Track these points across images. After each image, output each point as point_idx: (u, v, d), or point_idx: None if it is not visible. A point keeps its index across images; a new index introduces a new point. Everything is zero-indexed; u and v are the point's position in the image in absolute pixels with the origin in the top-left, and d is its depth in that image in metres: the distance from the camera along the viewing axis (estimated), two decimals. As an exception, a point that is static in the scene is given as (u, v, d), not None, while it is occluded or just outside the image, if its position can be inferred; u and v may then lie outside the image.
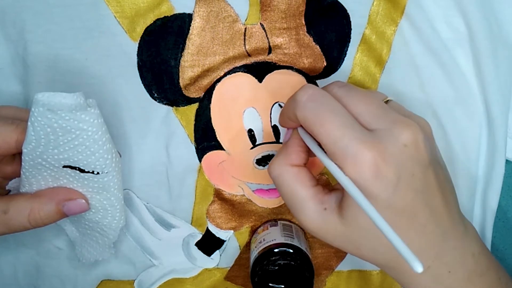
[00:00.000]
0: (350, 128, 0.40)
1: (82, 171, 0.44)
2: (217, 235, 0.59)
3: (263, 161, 0.56)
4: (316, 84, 0.54)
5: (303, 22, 0.52)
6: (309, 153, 0.46)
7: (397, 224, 0.40)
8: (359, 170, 0.39)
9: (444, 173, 0.45)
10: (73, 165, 0.43)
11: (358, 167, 0.39)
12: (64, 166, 0.43)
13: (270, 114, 0.55)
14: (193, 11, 0.51)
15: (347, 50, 0.54)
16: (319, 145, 0.43)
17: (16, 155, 0.45)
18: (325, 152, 0.42)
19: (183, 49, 0.52)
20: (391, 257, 0.43)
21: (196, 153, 0.56)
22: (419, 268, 0.33)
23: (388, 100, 0.45)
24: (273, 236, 0.56)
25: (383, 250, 0.42)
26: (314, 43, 0.53)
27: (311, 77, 0.54)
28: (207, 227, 0.59)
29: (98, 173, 0.44)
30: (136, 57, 0.52)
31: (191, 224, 0.58)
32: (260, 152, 0.56)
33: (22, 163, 0.43)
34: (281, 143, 0.55)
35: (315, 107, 0.42)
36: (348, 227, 0.42)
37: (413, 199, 0.40)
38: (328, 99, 0.42)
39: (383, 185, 0.39)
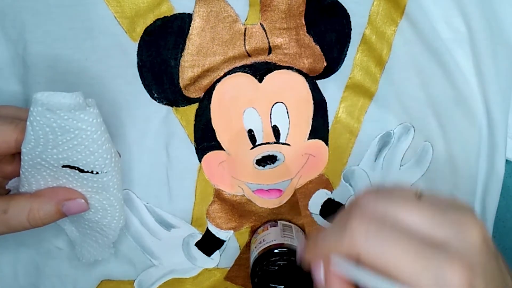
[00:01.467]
0: (427, 251, 0.33)
1: (81, 170, 0.44)
2: (217, 235, 0.59)
3: (263, 161, 0.56)
4: (316, 85, 0.54)
5: (303, 22, 0.52)
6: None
7: None
8: None
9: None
10: (72, 164, 0.43)
11: None
12: (63, 166, 0.43)
13: (270, 114, 0.55)
14: (193, 11, 0.51)
15: (347, 50, 0.54)
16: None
17: (16, 155, 0.45)
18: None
19: (183, 49, 0.52)
20: None
21: (196, 153, 0.56)
22: None
23: (421, 194, 0.38)
24: (273, 236, 0.56)
25: None
26: (314, 43, 0.53)
27: (311, 77, 0.54)
28: (207, 227, 0.59)
29: (97, 172, 0.44)
30: (136, 57, 0.52)
31: (191, 224, 0.58)
32: (260, 152, 0.56)
33: (22, 163, 0.43)
34: (281, 143, 0.55)
35: (379, 240, 0.34)
36: None
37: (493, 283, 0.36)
38: (391, 226, 0.35)
39: None
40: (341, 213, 0.38)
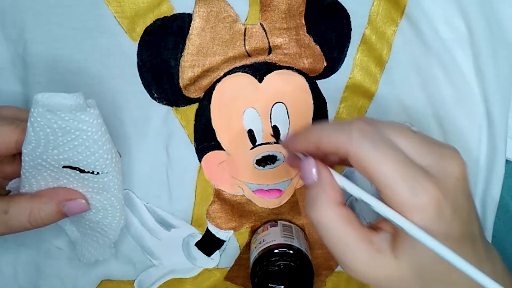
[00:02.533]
0: (409, 166, 0.38)
1: (82, 171, 0.44)
2: (217, 235, 0.59)
3: (263, 161, 0.56)
4: (316, 85, 0.54)
5: (303, 22, 0.52)
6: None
7: (454, 257, 0.38)
8: (422, 209, 0.37)
9: (472, 197, 0.43)
10: (73, 165, 0.43)
11: (422, 205, 0.37)
12: (64, 167, 0.43)
13: (270, 114, 0.55)
14: (193, 11, 0.51)
15: (347, 50, 0.54)
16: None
17: (17, 155, 0.45)
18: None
19: (183, 49, 0.52)
20: None
21: (196, 153, 0.56)
22: None
23: (414, 131, 0.43)
24: (273, 236, 0.56)
25: (438, 285, 0.40)
26: (314, 43, 0.53)
27: (311, 77, 0.54)
28: (207, 227, 0.59)
29: (98, 173, 0.44)
30: (136, 57, 0.52)
31: (191, 224, 0.58)
32: (260, 152, 0.56)
33: (22, 164, 0.43)
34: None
35: (372, 146, 0.38)
36: (405, 269, 0.39)
37: (463, 231, 0.39)
38: (383, 137, 0.39)
39: (442, 221, 0.37)
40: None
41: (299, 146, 0.44)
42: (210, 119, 0.55)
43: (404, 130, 0.40)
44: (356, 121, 0.40)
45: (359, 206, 0.59)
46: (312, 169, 0.42)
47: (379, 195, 0.39)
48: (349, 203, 0.59)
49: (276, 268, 0.54)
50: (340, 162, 0.45)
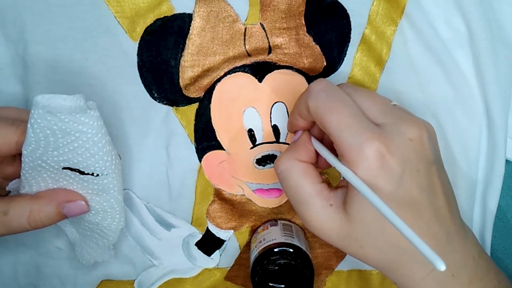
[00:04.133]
0: (358, 118, 0.41)
1: (82, 173, 0.44)
2: (217, 235, 0.59)
3: (263, 160, 0.56)
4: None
5: (303, 22, 0.52)
6: (317, 154, 0.47)
7: (402, 219, 0.40)
8: (365, 159, 0.39)
9: (446, 177, 0.45)
10: (73, 167, 0.43)
11: (364, 156, 0.39)
12: (64, 168, 0.43)
13: (270, 114, 0.55)
14: (193, 11, 0.51)
15: (347, 50, 0.54)
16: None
17: (17, 156, 0.45)
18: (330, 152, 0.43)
19: (183, 49, 0.52)
20: (395, 257, 0.43)
21: (196, 153, 0.56)
22: (442, 265, 0.33)
23: (394, 105, 0.46)
24: (273, 235, 0.56)
25: (388, 249, 0.42)
26: (314, 43, 0.53)
27: (311, 77, 0.54)
28: (207, 227, 0.59)
29: (98, 175, 0.44)
30: (136, 57, 0.52)
31: (191, 224, 0.58)
32: (260, 152, 0.56)
33: (22, 165, 0.43)
34: (281, 143, 0.55)
35: (327, 97, 0.42)
36: (353, 223, 0.42)
37: (418, 195, 0.40)
38: (339, 91, 0.43)
39: (388, 176, 0.39)
40: None
41: (293, 125, 0.49)
42: (210, 118, 0.55)
43: (373, 95, 0.45)
44: (318, 79, 0.45)
45: None
46: (298, 134, 0.49)
47: (335, 148, 0.42)
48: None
49: (276, 267, 0.54)
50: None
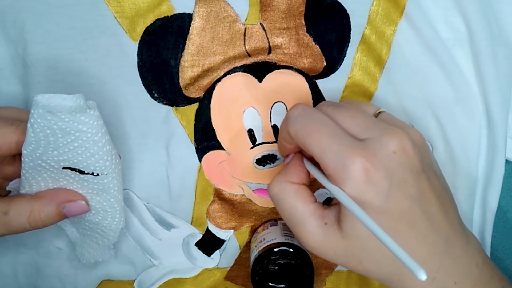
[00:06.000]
0: (338, 137, 0.41)
1: (82, 172, 0.44)
2: (217, 235, 0.59)
3: (263, 160, 0.56)
4: (316, 85, 0.54)
5: (303, 22, 0.52)
6: (309, 175, 0.47)
7: (395, 232, 0.40)
8: (349, 177, 0.39)
9: (441, 182, 0.45)
10: (73, 166, 0.43)
11: (349, 173, 0.39)
12: (64, 168, 0.43)
13: (270, 114, 0.55)
14: (193, 11, 0.51)
15: (346, 50, 0.54)
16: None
17: (17, 156, 0.45)
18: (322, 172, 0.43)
19: (183, 49, 0.52)
20: (395, 269, 0.42)
21: (196, 153, 0.56)
22: (422, 275, 0.33)
23: (380, 112, 0.46)
24: (273, 235, 0.56)
25: (386, 263, 0.42)
26: (314, 43, 0.53)
27: (311, 77, 0.54)
28: (207, 227, 0.59)
29: (98, 174, 0.44)
30: (136, 57, 0.52)
31: (191, 224, 0.58)
32: (260, 151, 0.56)
33: (22, 165, 0.43)
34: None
35: (305, 120, 0.43)
36: (349, 240, 0.42)
37: (409, 206, 0.40)
38: (317, 113, 0.44)
39: (374, 191, 0.39)
40: None
41: (281, 150, 0.50)
42: (210, 118, 0.55)
43: (352, 110, 0.44)
44: (295, 104, 0.45)
45: None
46: (290, 156, 0.49)
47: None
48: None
49: (277, 267, 0.54)
50: None
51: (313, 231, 0.43)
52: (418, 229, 0.41)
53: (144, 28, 0.51)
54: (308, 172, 0.47)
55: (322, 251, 0.44)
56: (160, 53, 0.52)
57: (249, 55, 0.53)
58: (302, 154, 0.48)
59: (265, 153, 0.56)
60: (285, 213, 0.45)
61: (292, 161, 0.48)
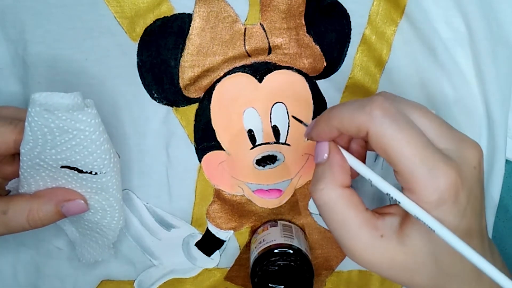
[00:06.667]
0: (429, 149, 0.37)
1: (80, 171, 0.44)
2: (217, 235, 0.59)
3: (263, 161, 0.56)
4: (316, 85, 0.54)
5: (303, 22, 0.52)
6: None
7: None
8: (440, 195, 0.36)
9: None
10: (71, 165, 0.43)
11: (440, 191, 0.36)
12: (62, 167, 0.43)
13: (270, 114, 0.55)
14: (193, 11, 0.51)
15: (347, 50, 0.54)
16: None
17: (16, 155, 0.45)
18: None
19: (183, 49, 0.52)
20: (443, 282, 0.41)
21: (196, 153, 0.56)
22: None
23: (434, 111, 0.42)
24: (273, 236, 0.56)
25: (438, 276, 0.40)
26: (314, 43, 0.53)
27: (311, 77, 0.54)
28: (207, 227, 0.59)
29: (96, 173, 0.44)
30: (136, 57, 0.52)
31: (191, 224, 0.58)
32: (260, 152, 0.56)
33: (20, 164, 0.43)
34: (281, 143, 0.55)
35: (393, 125, 0.37)
36: (408, 254, 0.39)
37: (474, 222, 0.39)
38: (405, 117, 0.38)
39: (457, 209, 0.37)
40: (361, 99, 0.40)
41: (322, 134, 0.42)
42: (210, 119, 0.55)
43: (426, 111, 0.40)
44: (377, 98, 0.39)
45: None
46: (325, 149, 0.42)
47: (396, 177, 0.38)
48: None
49: (276, 268, 0.54)
50: (360, 148, 0.45)
51: (368, 244, 0.39)
52: (473, 244, 0.38)
53: (144, 28, 0.51)
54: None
55: (375, 264, 0.40)
56: (160, 53, 0.52)
57: (249, 55, 0.53)
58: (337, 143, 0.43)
59: (265, 153, 0.56)
60: (334, 224, 0.40)
61: (336, 158, 0.42)
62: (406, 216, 0.39)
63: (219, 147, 0.56)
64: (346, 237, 0.40)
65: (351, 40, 0.53)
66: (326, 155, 0.42)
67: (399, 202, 0.38)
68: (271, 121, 0.55)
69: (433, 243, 0.38)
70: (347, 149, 0.44)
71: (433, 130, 0.39)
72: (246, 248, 0.60)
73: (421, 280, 0.40)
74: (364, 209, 0.40)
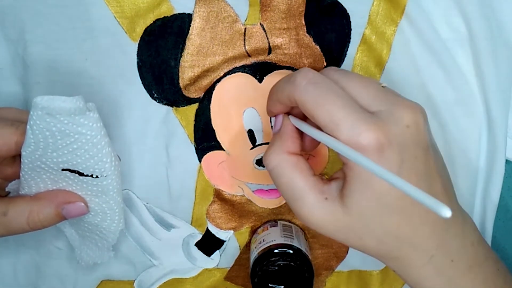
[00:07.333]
0: (352, 109, 0.39)
1: (81, 174, 0.44)
2: (217, 235, 0.59)
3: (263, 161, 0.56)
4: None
5: (303, 22, 0.52)
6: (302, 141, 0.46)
7: (401, 209, 0.40)
8: (363, 151, 0.37)
9: (441, 159, 0.44)
10: (72, 168, 0.43)
11: (362, 148, 0.38)
12: (63, 169, 0.43)
13: (270, 114, 0.55)
14: (193, 11, 0.51)
15: (347, 50, 0.53)
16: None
17: (16, 157, 0.45)
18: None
19: (183, 49, 0.52)
20: (395, 246, 0.42)
21: (196, 153, 0.56)
22: (447, 212, 0.31)
23: (383, 86, 0.44)
24: (273, 236, 0.56)
25: (387, 239, 0.42)
26: (314, 43, 0.53)
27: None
28: (207, 227, 0.59)
29: (97, 176, 0.44)
30: (136, 57, 0.52)
31: (191, 224, 0.58)
32: (260, 152, 0.56)
33: (21, 166, 0.43)
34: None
35: (316, 90, 0.40)
36: (351, 215, 0.41)
37: (417, 182, 0.40)
38: (328, 82, 0.41)
39: (387, 167, 0.38)
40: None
41: (272, 108, 0.47)
42: (210, 119, 0.55)
43: (361, 79, 0.42)
44: (302, 69, 0.42)
45: None
46: (278, 121, 0.47)
47: None
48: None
49: (276, 268, 0.54)
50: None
51: (313, 206, 0.42)
52: (422, 206, 0.40)
53: (144, 28, 0.51)
54: (301, 139, 0.46)
55: (321, 226, 0.42)
56: (160, 53, 0.52)
57: (249, 55, 0.53)
58: (295, 117, 0.46)
59: (265, 153, 0.56)
60: (283, 187, 0.43)
61: (286, 128, 0.45)
62: (346, 178, 0.41)
63: (219, 147, 0.56)
64: (293, 199, 0.43)
65: (351, 40, 0.53)
66: (278, 125, 0.47)
67: (336, 149, 0.39)
68: (271, 121, 0.55)
69: (374, 202, 0.40)
70: (304, 119, 0.46)
71: (366, 95, 0.41)
72: (246, 248, 0.60)
73: (371, 243, 0.42)
74: (311, 174, 0.43)
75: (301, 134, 0.46)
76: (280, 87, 0.44)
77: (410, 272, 0.44)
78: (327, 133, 0.40)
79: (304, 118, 0.45)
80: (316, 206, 0.42)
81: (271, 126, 0.55)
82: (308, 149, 0.48)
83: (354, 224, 0.41)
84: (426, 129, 0.41)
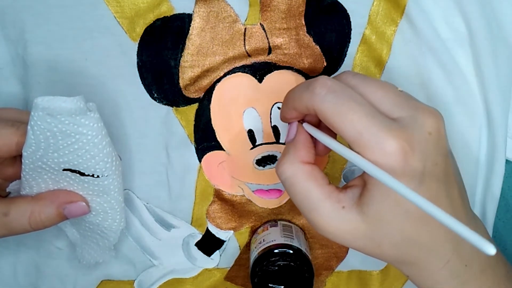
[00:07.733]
0: (374, 117, 0.38)
1: (82, 174, 0.44)
2: (217, 235, 0.59)
3: (263, 161, 0.56)
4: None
5: (303, 22, 0.52)
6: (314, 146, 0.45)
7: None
8: (387, 160, 0.37)
9: (456, 165, 0.44)
10: (73, 168, 0.43)
11: (387, 156, 0.37)
12: (64, 169, 0.43)
13: (270, 114, 0.55)
14: (193, 11, 0.51)
15: (347, 50, 0.54)
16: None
17: (17, 157, 0.45)
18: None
19: (183, 49, 0.52)
20: (413, 252, 0.42)
21: (196, 153, 0.56)
22: (492, 249, 0.31)
23: (400, 91, 0.43)
24: (273, 236, 0.56)
25: (405, 245, 0.41)
26: (314, 43, 0.53)
27: (311, 77, 0.54)
28: (207, 227, 0.59)
29: (98, 176, 0.44)
30: (136, 57, 0.52)
31: (191, 224, 0.58)
32: (260, 152, 0.56)
33: (23, 166, 0.43)
34: (281, 143, 0.55)
35: (336, 99, 0.39)
36: (370, 223, 0.40)
37: (437, 189, 0.39)
38: (348, 90, 0.40)
39: (411, 175, 0.38)
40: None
41: (287, 115, 0.45)
42: (210, 119, 0.55)
43: (381, 85, 0.41)
44: (321, 77, 0.41)
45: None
46: (292, 129, 0.46)
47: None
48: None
49: (276, 268, 0.54)
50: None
51: (330, 216, 0.41)
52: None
53: (143, 28, 0.51)
54: (314, 148, 0.45)
55: (339, 236, 0.41)
56: (159, 53, 0.52)
57: (249, 55, 0.53)
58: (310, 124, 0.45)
59: (265, 154, 0.56)
60: (297, 197, 0.42)
61: (300, 137, 0.44)
62: (364, 186, 0.41)
63: (219, 147, 0.56)
64: (309, 210, 0.42)
65: (351, 40, 0.53)
66: (293, 134, 0.45)
67: (355, 162, 0.39)
68: (271, 121, 0.55)
69: (394, 210, 0.39)
70: (318, 126, 0.45)
71: (387, 101, 0.40)
72: (246, 248, 0.60)
73: (389, 250, 0.42)
74: (326, 183, 0.42)
75: (314, 141, 0.45)
76: (298, 95, 0.43)
77: (426, 277, 0.43)
78: (349, 143, 0.39)
79: (317, 124, 0.45)
80: (333, 216, 0.41)
81: (271, 127, 0.55)
82: (320, 155, 0.47)
83: (372, 231, 0.41)
84: (446, 136, 0.41)
